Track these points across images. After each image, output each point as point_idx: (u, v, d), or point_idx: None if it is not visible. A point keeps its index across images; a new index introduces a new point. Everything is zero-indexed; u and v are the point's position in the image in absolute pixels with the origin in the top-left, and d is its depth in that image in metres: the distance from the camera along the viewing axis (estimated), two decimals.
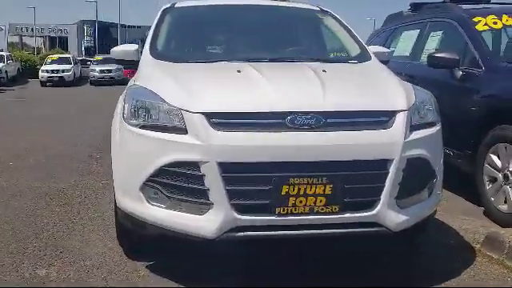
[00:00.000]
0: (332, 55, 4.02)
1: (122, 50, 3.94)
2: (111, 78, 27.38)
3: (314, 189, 2.49)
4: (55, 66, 27.01)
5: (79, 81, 28.59)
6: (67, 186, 5.03)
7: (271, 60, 3.40)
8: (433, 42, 5.25)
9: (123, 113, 2.85)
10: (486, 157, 4.00)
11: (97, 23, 56.39)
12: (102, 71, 27.64)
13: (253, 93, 2.67)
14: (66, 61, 28.30)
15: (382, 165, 2.57)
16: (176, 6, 4.27)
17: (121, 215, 2.91)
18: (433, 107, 2.89)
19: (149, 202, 2.66)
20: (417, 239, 3.24)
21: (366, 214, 2.57)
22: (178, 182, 2.55)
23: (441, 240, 3.53)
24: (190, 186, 2.52)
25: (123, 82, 28.10)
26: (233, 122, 2.52)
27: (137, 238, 3.09)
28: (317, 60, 3.46)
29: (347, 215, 2.55)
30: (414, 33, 5.68)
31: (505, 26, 4.65)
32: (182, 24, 4.10)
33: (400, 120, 2.64)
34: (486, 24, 4.65)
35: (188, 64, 3.27)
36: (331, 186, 2.50)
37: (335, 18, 4.27)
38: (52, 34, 62.67)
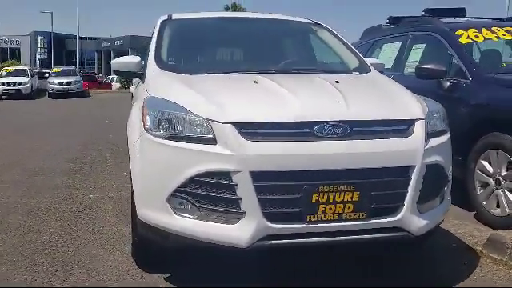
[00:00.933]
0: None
1: (123, 61, 3.91)
2: (70, 90, 27.05)
3: (342, 196, 2.56)
4: (11, 79, 26.17)
5: (37, 94, 27.79)
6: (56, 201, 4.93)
7: (280, 71, 3.47)
8: (416, 54, 5.46)
9: (144, 124, 2.84)
10: (476, 163, 4.19)
11: (52, 34, 55.14)
12: (60, 83, 27.19)
13: (279, 103, 2.73)
14: (22, 73, 27.49)
15: (405, 171, 2.67)
16: (174, 18, 4.30)
17: (141, 227, 2.88)
18: (443, 116, 3.03)
19: (176, 213, 2.66)
20: (426, 244, 3.36)
21: (390, 219, 2.67)
22: (208, 192, 2.57)
23: (443, 243, 3.67)
24: (221, 195, 2.54)
25: (83, 94, 27.80)
26: (263, 132, 2.57)
27: (155, 250, 3.08)
28: (322, 71, 3.56)
29: (373, 221, 2.64)
30: (396, 45, 5.89)
31: (485, 39, 4.90)
32: (184, 36, 4.13)
33: (419, 128, 2.76)
34: (468, 37, 4.89)
35: (201, 76, 3.29)
36: (358, 192, 2.58)
37: (329, 31, 4.40)
38: (3, 45, 60.96)
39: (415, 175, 2.68)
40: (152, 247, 3.05)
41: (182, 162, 2.61)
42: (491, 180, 4.06)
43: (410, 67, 5.47)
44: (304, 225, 2.56)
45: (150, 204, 2.77)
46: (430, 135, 2.84)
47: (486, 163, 4.11)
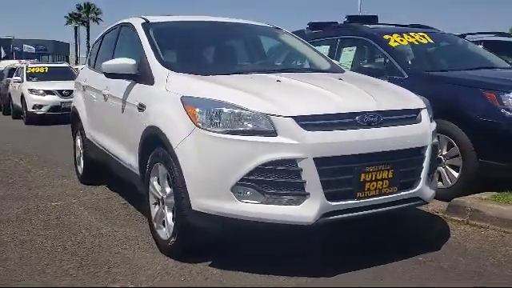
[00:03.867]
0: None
1: (119, 63, 3.99)
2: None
3: (381, 174, 3.09)
4: None
5: None
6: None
7: (283, 70, 3.89)
8: (347, 56, 6.20)
9: (194, 121, 3.06)
10: None
11: None
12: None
13: (323, 98, 3.16)
14: None
15: (421, 151, 3.29)
16: (152, 21, 4.43)
17: (196, 217, 3.09)
18: (430, 106, 3.71)
19: (240, 200, 2.95)
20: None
21: (412, 190, 3.27)
22: (273, 178, 2.91)
23: (412, 213, 4.38)
24: (287, 180, 2.90)
25: None
26: (317, 123, 2.98)
27: (199, 241, 3.29)
28: (311, 70, 4.05)
29: (402, 193, 3.21)
30: (324, 48, 6.58)
31: (409, 43, 5.80)
32: (173, 39, 4.32)
33: (425, 115, 3.40)
34: (395, 41, 5.75)
35: (224, 76, 3.57)
36: (392, 170, 3.13)
37: (291, 35, 4.91)
38: None
39: (427, 153, 3.31)
40: (196, 238, 3.26)
41: (247, 153, 2.91)
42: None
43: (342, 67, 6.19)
44: (355, 201, 3.04)
45: (210, 194, 3.01)
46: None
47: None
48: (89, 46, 59.02)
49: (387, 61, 5.56)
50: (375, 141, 3.09)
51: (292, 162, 2.89)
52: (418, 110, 3.41)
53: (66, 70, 15.84)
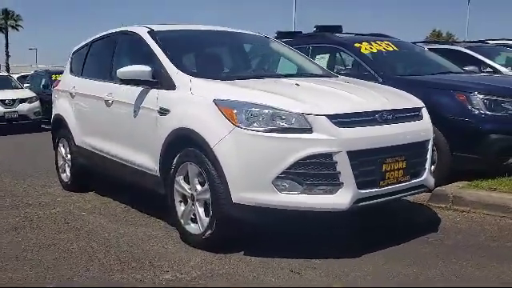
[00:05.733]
0: None
1: (135, 70, 4.17)
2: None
3: (398, 165, 3.54)
4: None
5: None
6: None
7: (291, 76, 4.27)
8: (320, 63, 6.65)
9: (233, 122, 3.35)
10: None
11: None
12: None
13: (344, 98, 3.57)
14: None
15: (426, 144, 3.78)
16: (156, 29, 4.65)
17: (237, 209, 3.38)
18: None
19: (281, 192, 3.28)
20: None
21: (419, 179, 3.74)
22: (311, 171, 3.26)
23: (399, 204, 4.88)
24: (323, 172, 3.27)
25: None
26: (346, 121, 3.38)
27: (237, 231, 3.57)
28: (315, 76, 4.47)
29: (413, 181, 3.68)
30: None
31: (378, 50, 6.36)
32: (182, 46, 4.54)
33: (425, 113, 3.90)
34: (366, 48, 6.29)
35: (250, 80, 3.89)
36: (406, 161, 3.59)
37: (281, 43, 5.30)
38: None
39: (429, 146, 3.81)
40: (234, 229, 3.54)
41: (288, 149, 3.25)
42: None
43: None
44: (378, 189, 3.46)
45: (252, 187, 3.32)
46: None
47: None
48: (7, 54, 56.13)
49: (360, 67, 6.08)
50: (392, 135, 3.53)
51: (328, 155, 3.26)
52: (420, 109, 3.90)
53: (6, 79, 15.25)
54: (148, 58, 4.33)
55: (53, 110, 6.31)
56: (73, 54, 6.23)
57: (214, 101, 3.54)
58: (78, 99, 5.51)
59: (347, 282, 3.11)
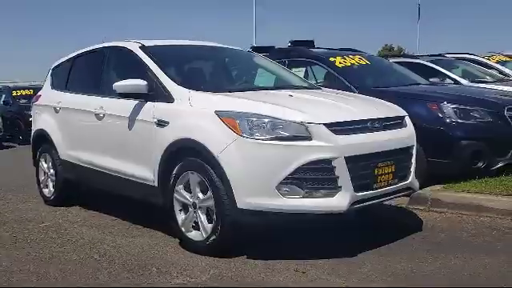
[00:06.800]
0: None
1: (131, 84, 4.29)
2: None
3: (388, 169, 3.82)
4: None
5: None
6: None
7: (281, 88, 4.51)
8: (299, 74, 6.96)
9: (236, 131, 3.54)
10: None
11: None
12: None
13: (340, 109, 3.82)
14: None
15: (410, 149, 4.08)
16: (147, 45, 4.79)
17: (243, 214, 3.56)
18: None
19: (284, 196, 3.48)
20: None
21: (406, 182, 4.03)
22: (312, 175, 3.49)
23: (380, 207, 5.16)
24: (323, 176, 3.50)
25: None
26: (342, 129, 3.63)
27: (240, 235, 3.74)
28: (302, 88, 4.72)
29: (400, 184, 3.96)
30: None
31: (351, 64, 6.71)
32: (174, 61, 4.69)
33: (408, 121, 4.21)
34: (340, 62, 6.62)
35: (244, 93, 4.10)
36: (394, 165, 3.87)
37: (266, 58, 5.56)
38: None
39: (414, 151, 4.11)
40: (238, 233, 3.70)
41: (290, 156, 3.47)
42: None
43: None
44: (372, 191, 3.71)
45: (256, 193, 3.51)
46: None
47: None
48: None
49: (336, 79, 6.39)
50: (383, 142, 3.81)
51: (327, 161, 3.50)
52: (403, 117, 4.20)
53: None
54: (141, 72, 4.45)
55: (33, 125, 6.27)
56: (53, 69, 6.26)
57: (216, 112, 3.72)
58: (64, 114, 5.54)
59: (352, 280, 3.33)
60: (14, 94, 15.81)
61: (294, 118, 3.55)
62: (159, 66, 4.39)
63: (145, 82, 4.28)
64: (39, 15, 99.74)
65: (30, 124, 13.47)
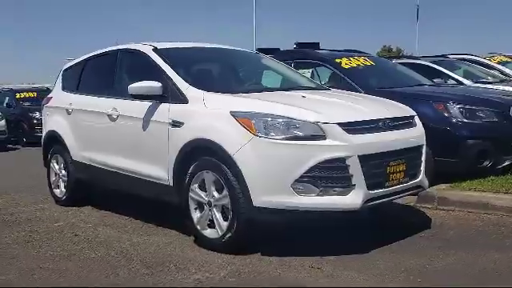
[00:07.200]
0: None
1: (146, 86, 4.38)
2: None
3: (399, 167, 3.92)
4: None
5: None
6: None
7: (296, 88, 4.62)
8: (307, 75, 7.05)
9: (251, 131, 3.63)
10: None
11: None
12: None
13: (352, 109, 3.92)
14: None
15: (420, 148, 4.18)
16: (159, 47, 4.88)
17: (259, 212, 3.65)
18: None
19: (299, 194, 3.57)
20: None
21: (416, 180, 4.13)
22: (327, 174, 3.58)
23: (389, 205, 5.26)
24: (338, 175, 3.59)
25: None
26: (355, 128, 3.72)
27: (256, 232, 3.83)
28: (312, 89, 4.82)
29: (411, 182, 4.06)
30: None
31: (357, 65, 6.81)
32: (187, 63, 4.79)
33: (417, 120, 4.31)
34: (346, 63, 6.73)
35: (258, 93, 4.19)
36: (405, 164, 3.96)
37: (272, 59, 5.65)
38: None
39: (424, 150, 4.21)
40: (254, 230, 3.80)
41: (305, 155, 3.56)
42: None
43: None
44: (384, 189, 3.81)
45: (272, 191, 3.60)
46: None
47: None
48: None
49: (342, 80, 6.49)
50: (394, 141, 3.91)
51: (342, 159, 3.59)
52: (413, 117, 4.30)
53: None
54: (155, 74, 4.54)
55: (44, 127, 6.36)
56: (64, 71, 6.35)
57: (231, 112, 3.81)
58: (76, 115, 5.63)
59: (370, 276, 3.42)
60: (18, 96, 15.90)
61: (309, 118, 3.65)
62: (173, 68, 4.49)
63: (159, 84, 4.37)
64: (37, 17, 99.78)
65: (33, 126, 14.10)
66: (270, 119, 3.66)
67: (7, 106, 15.59)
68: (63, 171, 5.93)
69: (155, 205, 5.04)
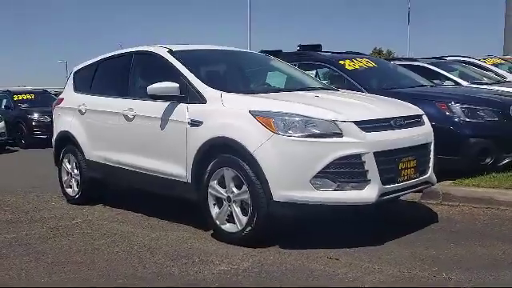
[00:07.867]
0: None
1: (165, 86, 4.54)
2: None
3: (410, 163, 4.12)
4: None
5: None
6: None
7: (301, 90, 4.81)
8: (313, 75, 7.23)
9: (271, 129, 3.81)
10: None
11: None
12: None
13: (365, 108, 4.11)
14: None
15: (429, 145, 4.38)
16: (174, 49, 5.05)
17: (278, 206, 3.83)
18: None
19: (318, 189, 3.76)
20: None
21: (425, 176, 4.33)
22: (344, 169, 3.77)
23: (395, 202, 5.46)
24: (354, 170, 3.78)
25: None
26: (370, 126, 3.92)
27: (275, 226, 4.01)
28: (323, 89, 5.01)
29: (420, 178, 4.26)
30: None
31: (360, 66, 7.01)
32: (202, 64, 4.96)
33: (425, 119, 4.51)
34: (349, 65, 6.93)
35: (274, 94, 4.37)
36: (416, 160, 4.16)
37: (280, 61, 5.84)
38: None
39: (432, 148, 4.42)
40: (273, 224, 3.97)
41: (323, 151, 3.75)
42: None
43: None
44: (396, 184, 4.01)
45: (291, 186, 3.78)
46: None
47: None
48: None
49: (346, 82, 6.69)
50: (405, 138, 4.11)
51: (358, 156, 3.78)
52: (421, 116, 4.51)
53: None
54: (172, 75, 4.70)
55: (56, 127, 6.47)
56: (75, 73, 6.48)
57: (250, 112, 3.99)
58: (90, 115, 5.76)
59: (386, 266, 3.60)
60: (16, 98, 15.93)
61: (326, 117, 3.84)
62: (189, 69, 4.65)
63: (177, 85, 4.53)
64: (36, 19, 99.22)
65: (32, 128, 14.14)
66: (289, 118, 3.84)
67: (5, 108, 15.61)
68: (76, 170, 6.05)
69: (168, 202, 5.20)
